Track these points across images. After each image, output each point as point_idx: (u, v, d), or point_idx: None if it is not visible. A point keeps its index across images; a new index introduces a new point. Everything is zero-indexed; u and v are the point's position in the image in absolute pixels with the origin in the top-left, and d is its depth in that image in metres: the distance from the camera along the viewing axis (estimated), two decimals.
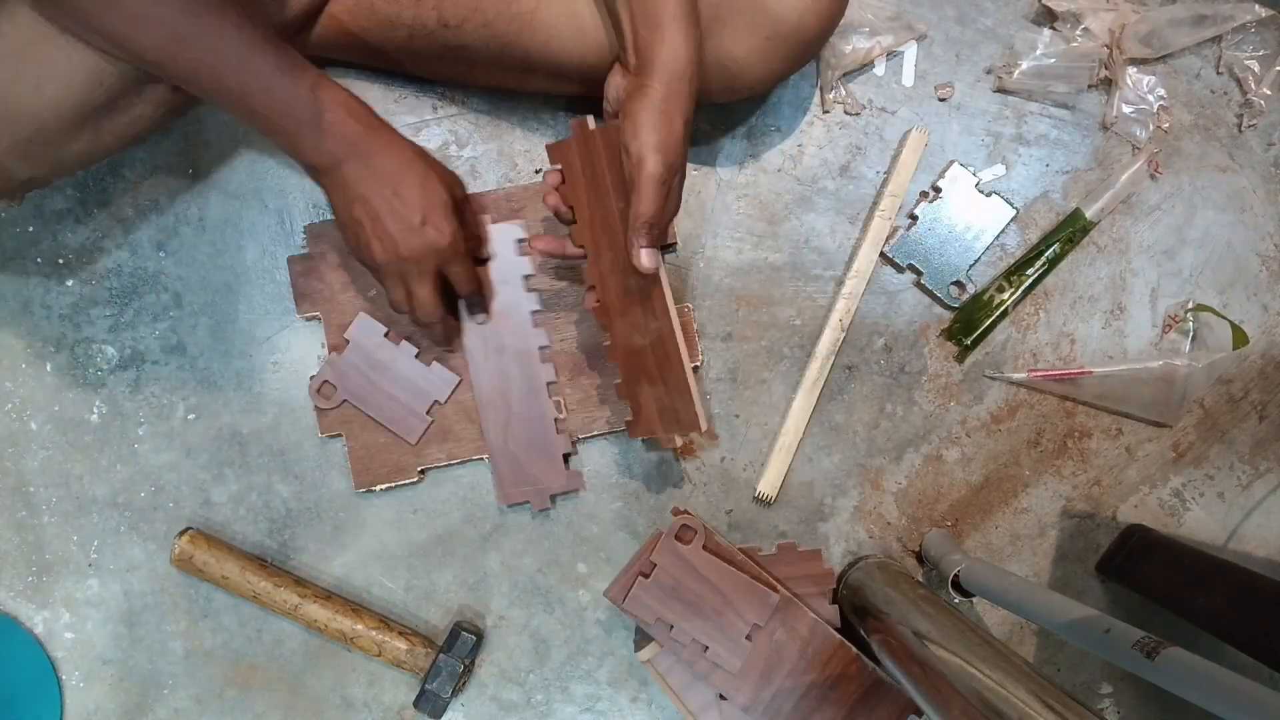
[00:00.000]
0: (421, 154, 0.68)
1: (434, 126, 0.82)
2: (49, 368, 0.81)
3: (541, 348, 0.79)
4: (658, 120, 0.59)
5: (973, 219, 0.82)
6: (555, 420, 0.79)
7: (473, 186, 0.81)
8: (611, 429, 0.81)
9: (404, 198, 0.65)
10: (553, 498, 0.81)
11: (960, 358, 0.83)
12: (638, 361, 0.69)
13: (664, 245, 0.81)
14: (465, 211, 0.73)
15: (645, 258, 0.62)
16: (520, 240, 0.78)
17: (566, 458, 0.80)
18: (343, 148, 0.63)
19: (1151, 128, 0.83)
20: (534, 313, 0.79)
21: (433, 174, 0.67)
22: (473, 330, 0.78)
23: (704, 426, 0.65)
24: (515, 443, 0.79)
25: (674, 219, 0.68)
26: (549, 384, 0.79)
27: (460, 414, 0.79)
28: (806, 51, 0.69)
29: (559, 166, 0.69)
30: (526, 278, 0.79)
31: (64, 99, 0.61)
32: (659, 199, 0.60)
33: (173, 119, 0.73)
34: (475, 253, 0.77)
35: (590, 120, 0.66)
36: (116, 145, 0.69)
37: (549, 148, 0.70)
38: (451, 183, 0.71)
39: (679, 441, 0.81)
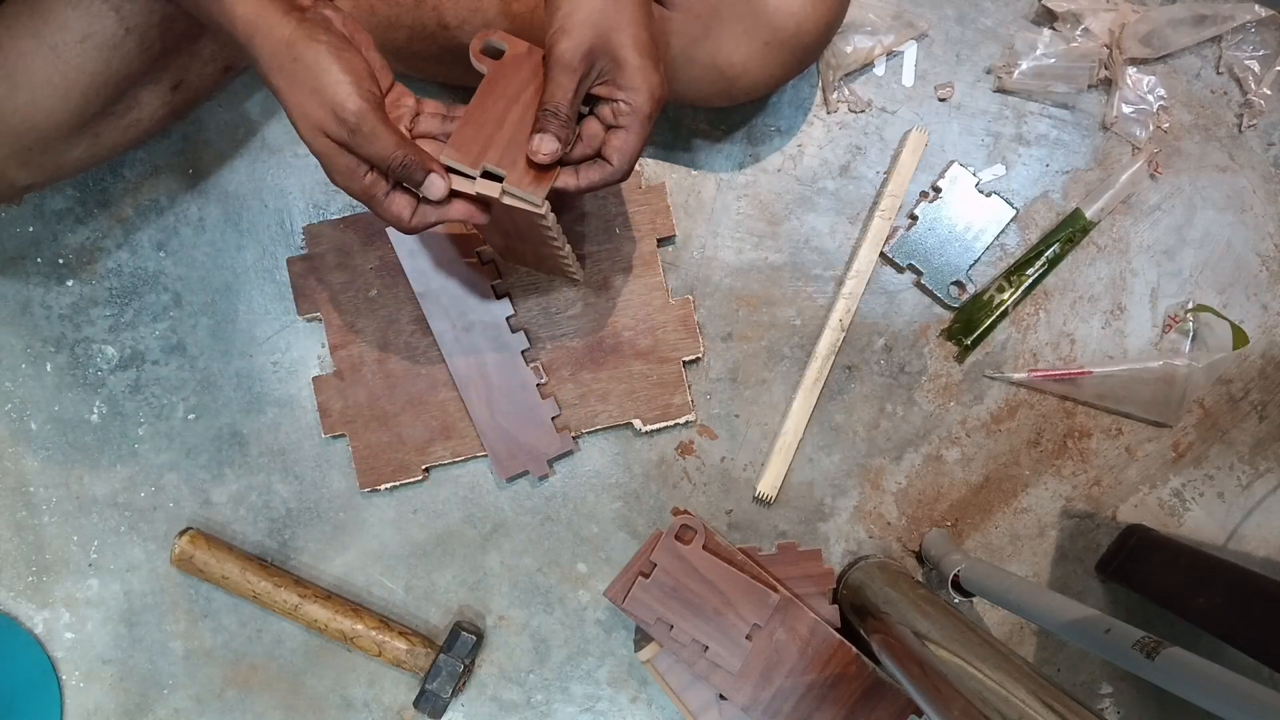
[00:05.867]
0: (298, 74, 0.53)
1: None
2: (49, 368, 0.81)
3: (509, 317, 0.79)
4: None
5: (973, 219, 0.82)
6: (537, 386, 0.79)
7: None
8: (613, 424, 0.81)
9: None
10: (551, 463, 0.81)
11: (960, 358, 0.83)
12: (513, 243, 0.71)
13: (661, 237, 0.81)
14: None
15: (536, 141, 0.54)
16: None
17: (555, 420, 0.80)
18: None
19: (1151, 128, 0.83)
20: (495, 284, 0.79)
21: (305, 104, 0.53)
22: (439, 312, 0.78)
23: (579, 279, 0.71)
24: (501, 415, 0.79)
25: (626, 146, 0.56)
26: (523, 351, 0.79)
27: (460, 411, 0.79)
28: (805, 57, 0.69)
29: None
30: (479, 252, 0.79)
31: (60, 109, 0.61)
32: (570, 94, 0.53)
33: (171, 122, 0.73)
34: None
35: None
36: (116, 150, 0.69)
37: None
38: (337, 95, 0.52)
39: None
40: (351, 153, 0.54)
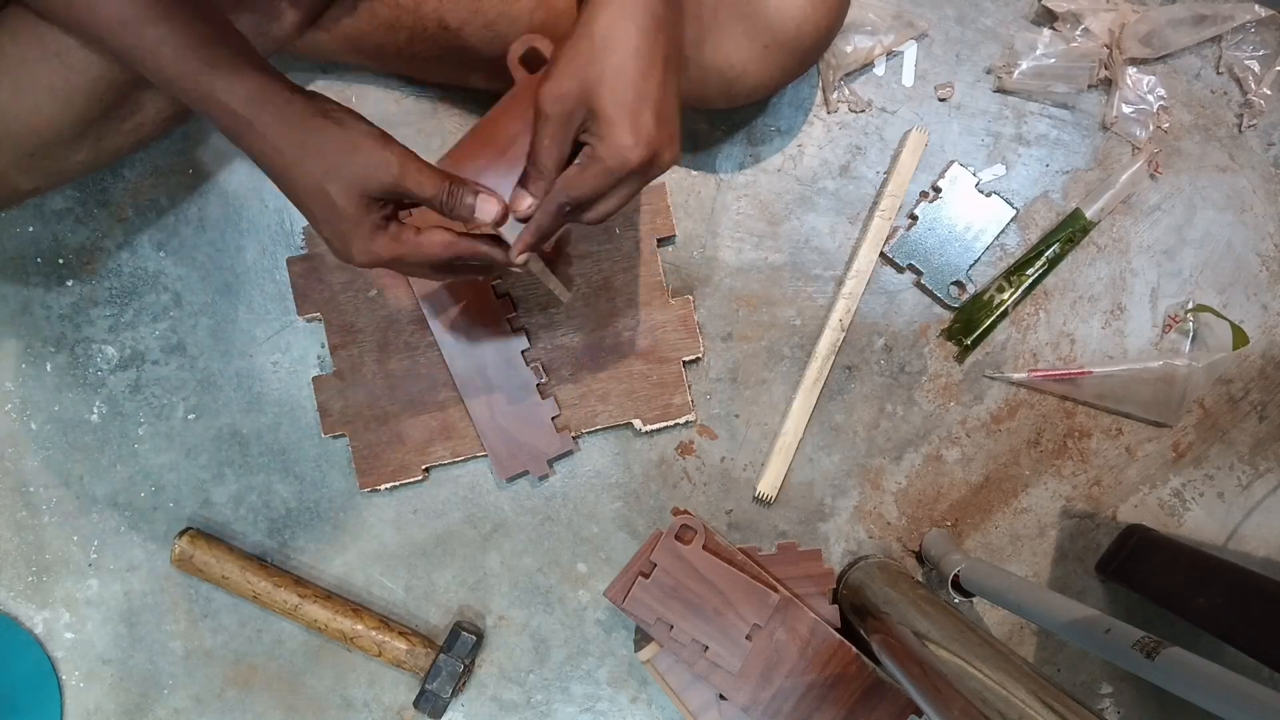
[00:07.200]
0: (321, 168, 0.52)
1: (434, 130, 0.82)
2: (49, 368, 0.81)
3: (509, 317, 0.79)
4: (578, 41, 0.50)
5: (973, 219, 0.82)
6: (537, 386, 0.79)
7: None
8: (613, 424, 0.81)
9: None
10: (551, 463, 0.81)
11: (960, 358, 0.83)
12: None
13: (661, 237, 0.81)
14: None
15: (512, 198, 0.53)
16: None
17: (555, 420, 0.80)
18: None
19: (1151, 128, 0.83)
20: (495, 285, 0.79)
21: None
22: (439, 313, 0.78)
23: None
24: (502, 415, 0.79)
25: (603, 202, 0.54)
26: (523, 351, 0.79)
27: (460, 411, 0.79)
28: (805, 60, 0.69)
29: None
30: None
31: (63, 114, 0.61)
32: (546, 142, 0.51)
33: (173, 125, 0.73)
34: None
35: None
36: (118, 154, 0.69)
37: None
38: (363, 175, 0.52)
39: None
40: (390, 201, 0.53)
